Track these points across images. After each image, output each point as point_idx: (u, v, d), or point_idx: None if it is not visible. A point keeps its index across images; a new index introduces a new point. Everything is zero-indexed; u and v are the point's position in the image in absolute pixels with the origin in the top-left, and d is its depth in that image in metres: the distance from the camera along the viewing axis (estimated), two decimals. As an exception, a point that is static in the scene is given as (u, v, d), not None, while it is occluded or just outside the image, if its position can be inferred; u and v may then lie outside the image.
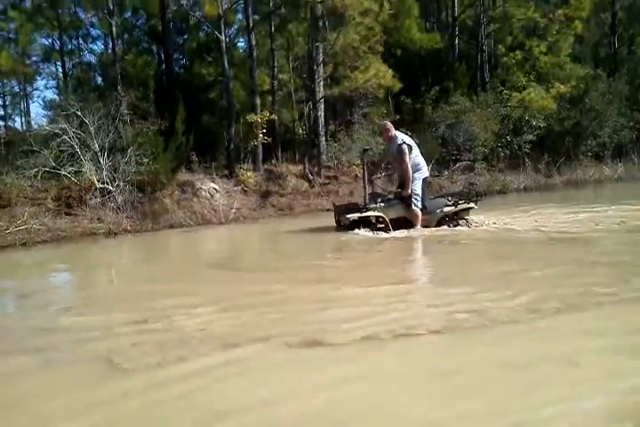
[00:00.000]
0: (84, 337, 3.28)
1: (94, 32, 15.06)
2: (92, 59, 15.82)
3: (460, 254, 5.87)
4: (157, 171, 9.80)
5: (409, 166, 6.93)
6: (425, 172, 7.30)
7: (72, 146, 9.45)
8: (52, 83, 16.97)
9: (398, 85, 12.50)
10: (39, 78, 16.21)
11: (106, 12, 13.09)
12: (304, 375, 2.59)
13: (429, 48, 15.53)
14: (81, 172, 9.35)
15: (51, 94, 23.82)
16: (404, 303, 3.77)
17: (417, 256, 6.31)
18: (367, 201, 7.15)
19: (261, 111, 12.09)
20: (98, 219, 8.72)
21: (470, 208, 7.32)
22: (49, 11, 14.12)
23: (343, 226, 7.20)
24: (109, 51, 15.29)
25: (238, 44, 15.92)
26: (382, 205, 7.07)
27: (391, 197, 7.43)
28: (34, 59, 14.91)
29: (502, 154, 14.67)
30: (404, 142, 7.00)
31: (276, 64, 13.55)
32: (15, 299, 4.92)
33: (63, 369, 2.84)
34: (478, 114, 13.68)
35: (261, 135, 11.76)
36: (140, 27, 14.74)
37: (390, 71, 12.29)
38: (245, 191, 10.99)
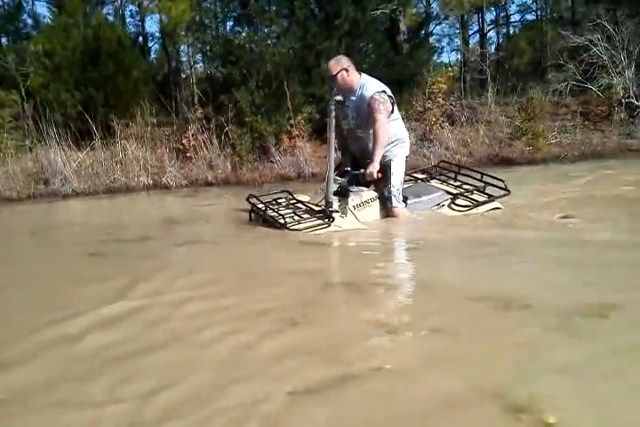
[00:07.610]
0: None
1: None
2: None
3: None
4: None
5: (387, 129, 3.83)
6: (408, 146, 4.14)
7: (601, 58, 9.13)
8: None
9: None
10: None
11: None
12: None
13: None
14: (610, 86, 9.00)
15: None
16: None
17: None
18: (330, 198, 3.78)
19: None
20: (628, 134, 8.35)
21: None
22: None
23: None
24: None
25: None
26: (354, 203, 3.90)
27: (342, 180, 3.98)
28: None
29: None
30: (384, 91, 3.88)
31: None
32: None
33: None
34: None
35: None
36: None
37: None
38: None
